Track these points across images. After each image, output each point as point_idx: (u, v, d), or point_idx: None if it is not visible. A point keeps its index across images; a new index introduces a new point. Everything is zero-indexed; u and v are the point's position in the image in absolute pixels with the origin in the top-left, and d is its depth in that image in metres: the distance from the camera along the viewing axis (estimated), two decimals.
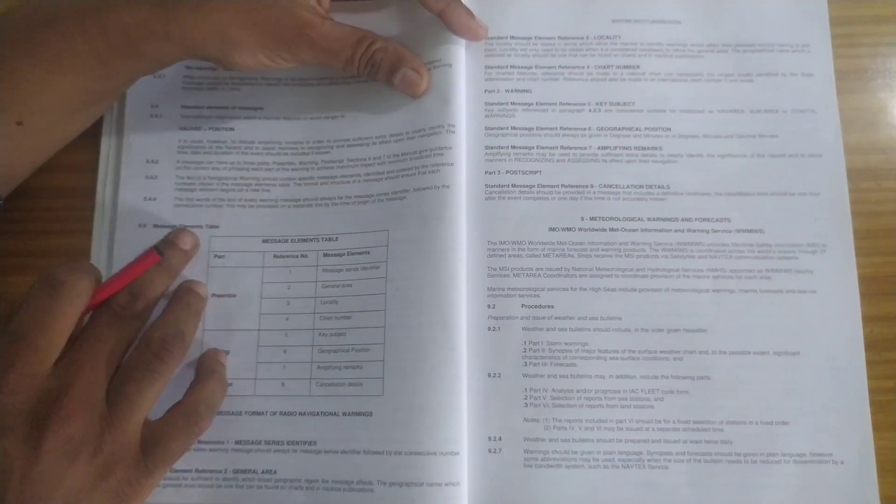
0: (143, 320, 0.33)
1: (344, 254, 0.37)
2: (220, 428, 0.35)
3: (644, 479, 0.34)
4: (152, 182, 0.38)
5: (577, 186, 0.38)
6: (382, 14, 0.39)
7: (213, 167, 0.38)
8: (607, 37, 0.40)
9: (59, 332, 0.30)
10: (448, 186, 0.36)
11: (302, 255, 0.37)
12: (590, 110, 0.39)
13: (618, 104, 0.39)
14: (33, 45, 0.33)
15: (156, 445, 0.31)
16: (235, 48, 0.34)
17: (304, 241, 0.37)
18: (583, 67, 0.39)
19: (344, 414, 0.35)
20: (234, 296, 0.37)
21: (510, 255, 0.37)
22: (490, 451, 0.35)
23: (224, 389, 0.35)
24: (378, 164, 0.37)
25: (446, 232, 0.36)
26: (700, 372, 0.35)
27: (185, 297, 0.35)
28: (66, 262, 0.31)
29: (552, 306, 0.36)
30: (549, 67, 0.39)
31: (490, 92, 0.39)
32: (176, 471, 0.34)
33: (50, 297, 0.30)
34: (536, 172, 0.38)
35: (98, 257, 0.37)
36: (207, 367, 0.35)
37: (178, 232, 0.36)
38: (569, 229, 0.37)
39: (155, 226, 0.38)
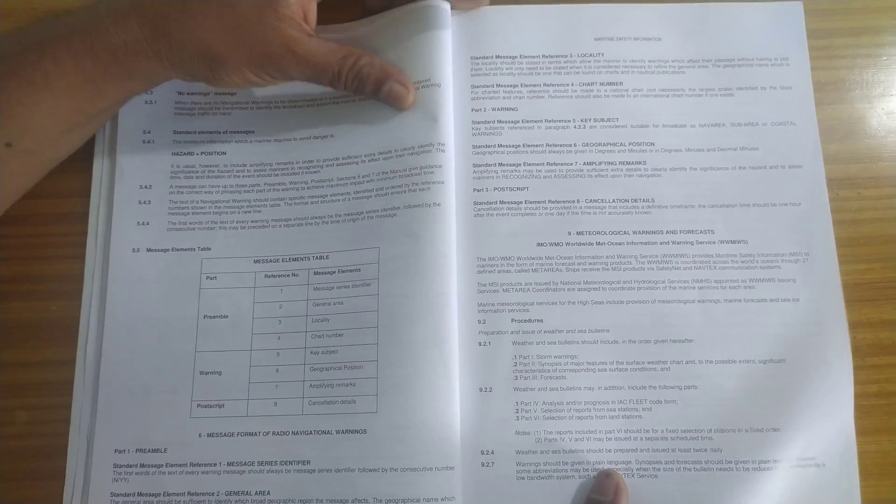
0: None
1: (335, 271, 0.37)
2: (213, 450, 0.35)
3: (634, 488, 0.35)
4: (145, 207, 0.38)
5: (563, 202, 0.38)
6: (369, 34, 0.40)
7: (206, 191, 0.39)
8: (591, 54, 0.40)
9: None
10: (439, 204, 0.37)
11: (293, 275, 0.37)
12: (575, 126, 0.39)
13: (602, 120, 0.39)
14: (22, 68, 0.33)
15: None
16: (223, 66, 0.34)
17: (294, 259, 0.37)
18: (567, 85, 0.40)
19: (337, 432, 0.35)
20: (226, 317, 0.37)
21: (499, 271, 0.37)
22: (483, 464, 0.35)
23: None
24: (367, 181, 0.38)
25: (438, 249, 0.36)
26: (687, 381, 0.36)
27: None
28: None
29: (541, 320, 0.37)
30: (535, 85, 0.40)
31: (477, 111, 0.40)
32: (168, 494, 0.35)
33: None
34: (524, 189, 0.38)
35: (91, 282, 0.38)
36: None
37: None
38: (556, 244, 0.38)
39: (148, 250, 0.38)
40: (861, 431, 0.36)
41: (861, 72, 0.41)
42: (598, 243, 0.38)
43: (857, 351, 0.37)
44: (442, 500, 0.34)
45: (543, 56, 0.40)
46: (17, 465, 0.36)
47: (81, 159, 0.39)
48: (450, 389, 0.35)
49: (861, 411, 0.36)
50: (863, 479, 0.35)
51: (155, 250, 0.38)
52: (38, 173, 0.37)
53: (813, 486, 0.35)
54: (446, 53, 0.39)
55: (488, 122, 0.39)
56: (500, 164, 0.39)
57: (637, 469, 0.35)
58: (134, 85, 0.35)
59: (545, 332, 0.37)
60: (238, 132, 0.40)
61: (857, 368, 0.36)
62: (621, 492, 0.34)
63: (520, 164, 0.39)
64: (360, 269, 0.37)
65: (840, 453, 0.35)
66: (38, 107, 0.33)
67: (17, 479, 0.36)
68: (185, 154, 0.39)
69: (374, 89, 0.37)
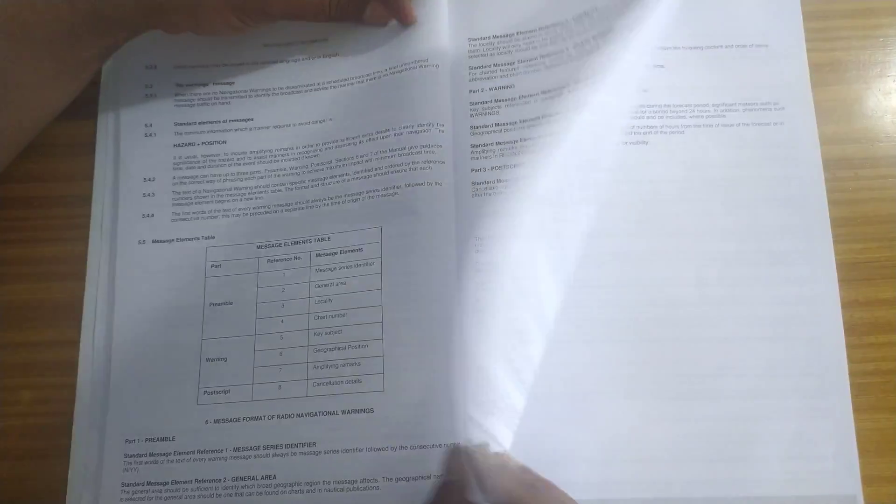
0: None
1: (336, 252, 0.37)
2: (219, 436, 0.35)
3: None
4: (150, 199, 0.39)
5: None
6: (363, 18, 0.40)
7: (208, 181, 0.39)
8: (585, 13, 0.40)
9: None
10: (440, 183, 0.37)
11: (295, 258, 0.38)
12: (569, 91, 0.39)
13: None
14: (1, 20, 0.33)
15: None
16: (206, 11, 0.34)
17: (296, 243, 0.38)
18: (562, 51, 0.40)
19: (343, 412, 0.35)
20: (230, 303, 0.37)
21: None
22: None
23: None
24: (366, 160, 0.38)
25: (439, 227, 0.36)
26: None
27: None
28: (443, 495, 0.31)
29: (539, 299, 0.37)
30: (531, 60, 0.40)
31: (474, 91, 0.40)
32: (176, 482, 0.35)
33: None
34: (520, 165, 0.39)
35: (97, 274, 0.38)
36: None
37: None
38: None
39: (154, 241, 0.38)
40: (858, 409, 0.36)
41: (858, 53, 0.41)
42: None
43: (854, 330, 0.37)
44: None
45: (540, 29, 0.41)
46: (22, 442, 0.36)
47: (84, 143, 0.39)
48: (454, 366, 0.35)
49: (858, 389, 0.36)
50: (861, 456, 0.35)
51: (160, 241, 0.38)
52: (26, 130, 0.37)
53: (812, 463, 0.35)
54: (443, 34, 0.39)
55: (485, 103, 0.40)
56: (498, 143, 0.39)
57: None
58: (115, 35, 0.35)
59: (543, 314, 0.37)
60: (237, 120, 0.40)
61: (853, 347, 0.37)
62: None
63: (517, 141, 0.39)
64: (362, 249, 0.37)
65: (838, 431, 0.35)
66: (19, 59, 0.33)
67: (21, 458, 0.36)
68: (186, 145, 0.40)
69: (357, 13, 0.38)
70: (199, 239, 0.38)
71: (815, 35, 0.41)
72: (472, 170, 0.39)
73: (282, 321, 0.37)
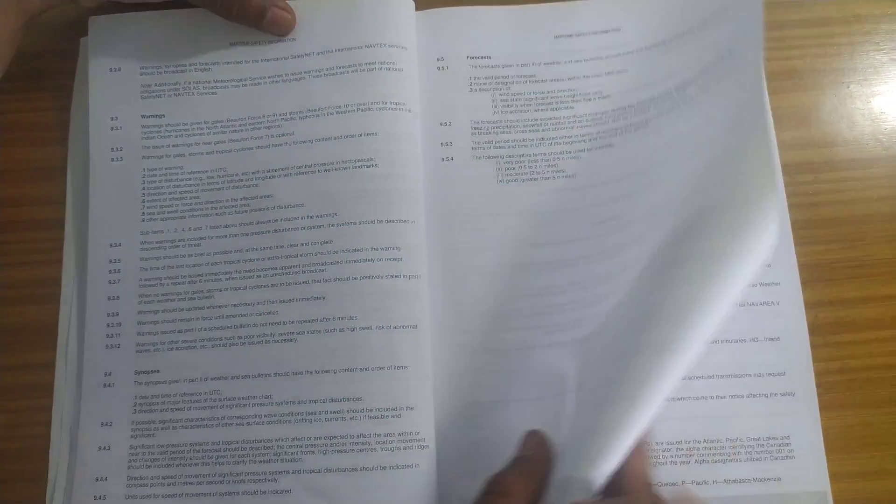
0: None
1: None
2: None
3: None
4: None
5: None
6: None
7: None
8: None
9: None
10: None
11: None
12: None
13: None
14: None
15: None
16: None
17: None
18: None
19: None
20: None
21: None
22: None
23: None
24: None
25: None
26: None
27: None
28: (518, 467, 0.30)
29: None
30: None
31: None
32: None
33: None
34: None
35: (72, 296, 0.38)
36: None
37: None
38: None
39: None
40: (824, 407, 0.37)
41: (813, 61, 0.42)
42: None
43: (819, 329, 0.38)
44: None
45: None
46: None
47: (56, 167, 0.40)
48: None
49: (824, 388, 0.37)
50: (829, 453, 0.36)
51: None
52: None
53: (780, 463, 0.36)
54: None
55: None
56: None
57: None
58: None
59: None
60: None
61: (819, 346, 0.38)
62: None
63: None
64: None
65: (806, 429, 0.36)
66: None
67: None
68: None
69: (256, 17, 0.39)
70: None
71: (772, 44, 0.42)
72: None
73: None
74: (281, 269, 0.37)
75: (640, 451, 0.28)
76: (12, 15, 0.37)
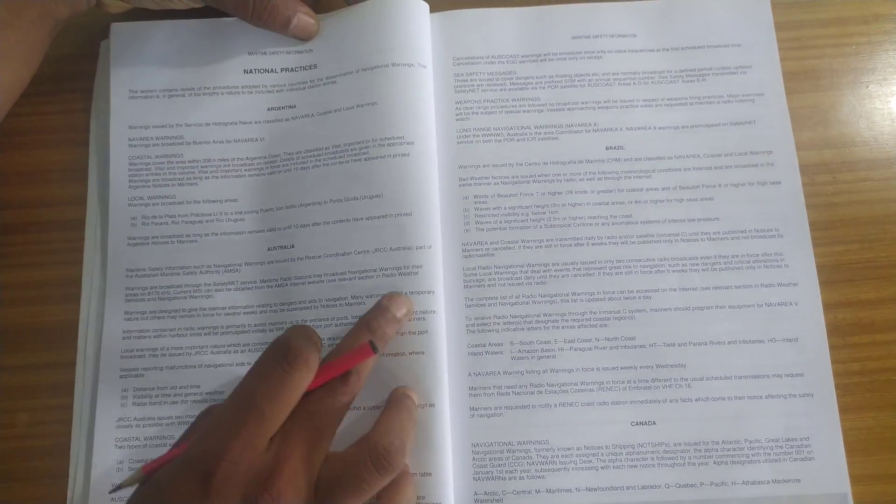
0: (354, 396, 0.31)
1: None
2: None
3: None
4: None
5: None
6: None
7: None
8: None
9: (287, 405, 0.29)
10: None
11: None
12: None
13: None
14: None
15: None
16: None
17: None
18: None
19: None
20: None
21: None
22: None
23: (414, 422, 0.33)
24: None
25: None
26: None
27: (405, 403, 0.33)
28: (297, 329, 0.31)
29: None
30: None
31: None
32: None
33: (283, 368, 0.29)
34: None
35: (91, 295, 0.38)
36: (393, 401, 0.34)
37: (392, 297, 0.35)
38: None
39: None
40: (844, 409, 0.36)
41: (830, 61, 0.42)
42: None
43: (838, 331, 0.38)
44: None
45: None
46: (20, 465, 0.37)
47: (77, 168, 0.40)
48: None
49: (843, 390, 0.37)
50: (849, 455, 0.36)
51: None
52: None
53: (800, 464, 0.35)
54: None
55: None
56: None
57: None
58: (52, 12, 0.37)
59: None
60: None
61: (837, 348, 0.37)
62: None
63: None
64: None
65: (825, 432, 0.36)
66: None
67: (19, 480, 0.37)
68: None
69: (283, 24, 0.39)
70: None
71: (788, 44, 0.42)
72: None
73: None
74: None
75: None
76: (40, 21, 0.37)
